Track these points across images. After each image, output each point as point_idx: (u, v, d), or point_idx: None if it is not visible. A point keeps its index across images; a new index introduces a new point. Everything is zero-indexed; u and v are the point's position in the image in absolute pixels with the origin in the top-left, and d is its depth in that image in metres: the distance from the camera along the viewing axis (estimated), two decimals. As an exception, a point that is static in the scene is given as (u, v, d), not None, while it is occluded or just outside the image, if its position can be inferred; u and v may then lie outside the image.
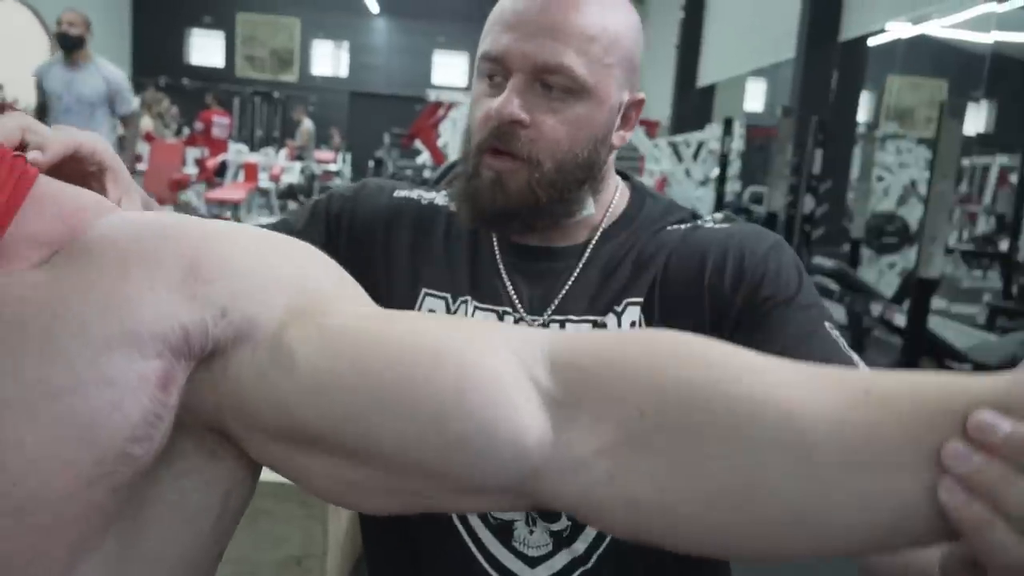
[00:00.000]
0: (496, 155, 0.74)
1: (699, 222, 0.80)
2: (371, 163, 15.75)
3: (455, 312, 0.79)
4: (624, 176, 0.86)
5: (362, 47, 18.12)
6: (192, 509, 0.43)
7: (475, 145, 0.75)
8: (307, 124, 12.26)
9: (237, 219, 8.94)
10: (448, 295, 0.79)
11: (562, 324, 0.76)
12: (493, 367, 0.39)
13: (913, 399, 0.34)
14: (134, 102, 4.40)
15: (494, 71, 0.74)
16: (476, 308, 0.78)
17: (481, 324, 0.45)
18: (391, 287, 0.80)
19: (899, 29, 6.76)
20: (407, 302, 0.80)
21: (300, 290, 0.42)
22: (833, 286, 4.10)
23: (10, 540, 0.36)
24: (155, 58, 16.26)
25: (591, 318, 0.76)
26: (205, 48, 17.69)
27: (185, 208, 7.32)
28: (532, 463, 0.39)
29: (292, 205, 6.28)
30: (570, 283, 0.78)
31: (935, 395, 0.34)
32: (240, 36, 17.61)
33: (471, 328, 0.43)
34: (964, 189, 7.48)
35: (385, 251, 0.82)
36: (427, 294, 0.80)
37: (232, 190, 8.50)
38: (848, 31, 6.90)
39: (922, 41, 7.27)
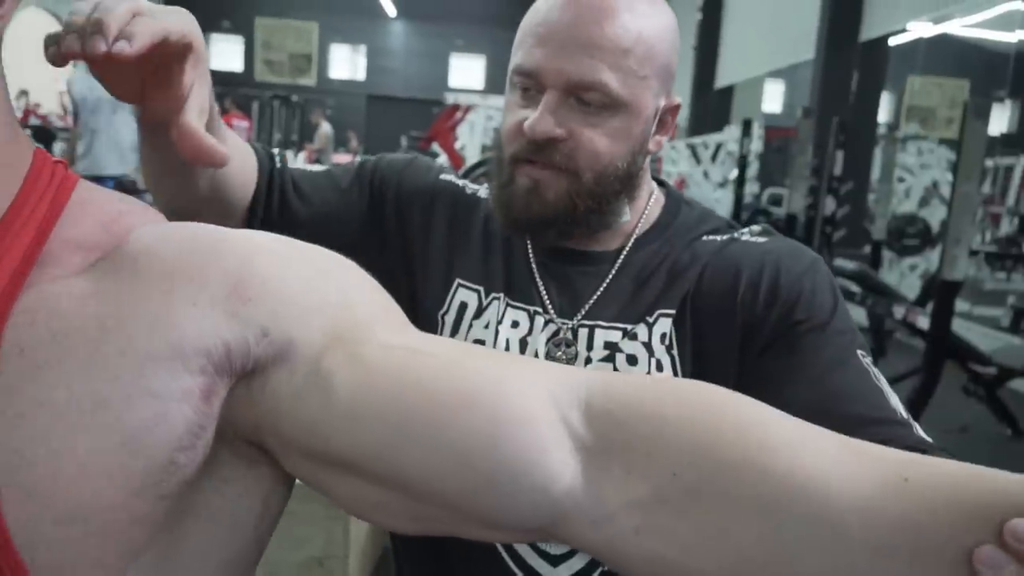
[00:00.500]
0: (533, 165, 0.73)
1: (736, 234, 0.79)
2: (388, 166, 15.84)
3: (486, 307, 0.79)
4: (659, 182, 0.85)
5: (379, 50, 18.21)
6: (233, 515, 0.43)
7: (509, 155, 0.75)
8: (325, 127, 12.33)
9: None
10: (481, 288, 0.79)
11: (591, 329, 0.76)
12: (528, 410, 0.39)
13: (951, 493, 0.34)
14: None
15: (527, 84, 0.73)
16: (508, 305, 0.78)
17: (519, 362, 0.44)
18: (426, 271, 0.81)
19: (920, 29, 6.70)
20: (440, 289, 0.80)
21: (341, 314, 0.42)
22: (855, 288, 4.06)
23: (65, 548, 0.36)
24: (175, 63, 16.43)
25: (621, 325, 0.76)
26: (224, 53, 17.85)
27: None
28: (560, 509, 0.39)
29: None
30: (602, 289, 0.77)
31: (974, 492, 0.34)
32: (259, 41, 17.73)
33: (508, 365, 0.43)
34: (987, 190, 7.39)
35: (424, 231, 0.82)
36: (460, 284, 0.80)
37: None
38: (868, 31, 6.84)
39: (944, 40, 7.20)
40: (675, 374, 0.74)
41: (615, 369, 0.74)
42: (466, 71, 18.23)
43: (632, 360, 0.74)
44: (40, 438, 0.36)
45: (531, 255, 0.80)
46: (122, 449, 0.37)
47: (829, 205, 4.75)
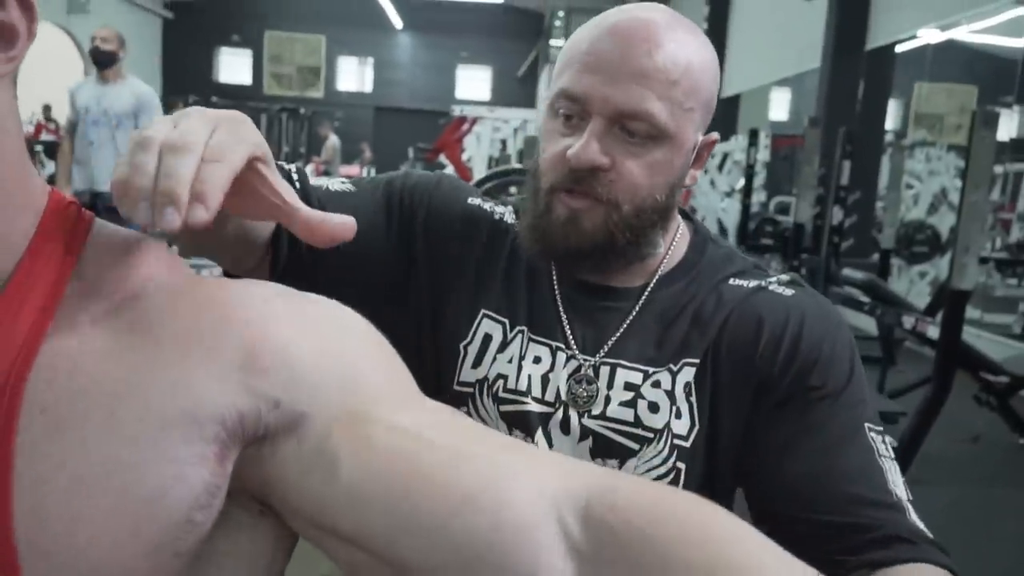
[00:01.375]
0: (572, 195, 0.72)
1: (764, 282, 0.78)
2: (396, 177, 15.87)
3: (511, 340, 0.78)
4: (683, 214, 0.84)
5: (386, 63, 18.30)
6: (246, 560, 0.44)
7: (548, 184, 0.73)
8: (333, 139, 12.38)
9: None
10: (506, 321, 0.78)
11: (613, 367, 0.75)
12: (528, 517, 0.40)
13: None
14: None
15: (572, 110, 0.72)
16: (530, 339, 0.78)
17: (524, 455, 0.44)
18: (452, 299, 0.80)
19: (927, 35, 6.69)
20: (465, 319, 0.79)
21: (350, 388, 0.43)
22: (863, 298, 4.05)
23: None
24: (185, 77, 16.56)
25: (643, 367, 0.75)
26: (233, 66, 17.98)
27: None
28: None
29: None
30: (625, 326, 0.77)
31: None
32: (267, 54, 17.86)
33: (512, 462, 0.43)
34: (997, 197, 7.35)
35: (451, 259, 0.81)
36: (485, 315, 0.79)
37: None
38: (875, 39, 6.84)
39: (951, 47, 7.19)
40: (692, 422, 0.74)
41: (636, 415, 0.74)
42: (472, 82, 18.29)
43: (654, 408, 0.74)
44: (60, 500, 0.37)
45: (556, 288, 0.79)
46: (141, 511, 0.38)
47: (837, 215, 4.74)
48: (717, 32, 10.76)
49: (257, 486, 0.42)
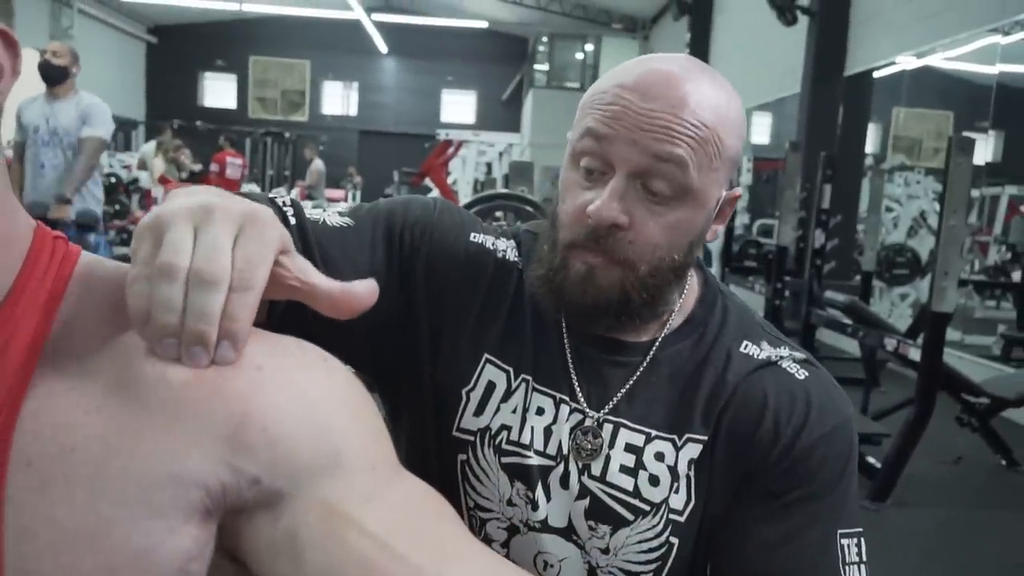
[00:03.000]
0: (588, 251, 0.70)
1: (775, 356, 0.76)
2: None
3: (515, 390, 0.76)
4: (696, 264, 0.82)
5: (371, 87, 18.40)
6: None
7: (566, 240, 0.71)
8: (317, 163, 12.37)
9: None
10: (510, 369, 0.76)
11: (616, 426, 0.74)
12: None
13: None
14: (102, 130, 3.90)
15: (593, 164, 0.69)
16: (534, 389, 0.75)
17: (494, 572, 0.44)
18: (454, 342, 0.77)
19: (904, 62, 6.82)
20: (468, 363, 0.76)
21: (332, 473, 0.42)
22: (846, 320, 4.09)
23: None
24: (169, 101, 16.57)
25: (645, 430, 0.74)
26: (218, 90, 18.01)
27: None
28: None
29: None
30: (630, 384, 0.75)
31: None
32: (252, 79, 17.93)
33: None
34: (974, 220, 7.48)
35: (458, 303, 0.77)
36: (488, 360, 0.76)
37: (245, 230, 8.58)
38: (853, 65, 6.97)
39: (927, 73, 7.32)
40: (689, 497, 0.74)
41: (635, 485, 0.73)
42: (457, 106, 18.41)
43: (654, 481, 0.73)
44: (47, 554, 0.37)
45: (565, 338, 0.77)
46: (132, 566, 0.38)
47: (819, 238, 4.79)
48: (698, 57, 10.89)
49: (232, 549, 0.43)
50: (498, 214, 3.39)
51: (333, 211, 0.78)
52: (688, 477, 0.73)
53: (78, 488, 0.38)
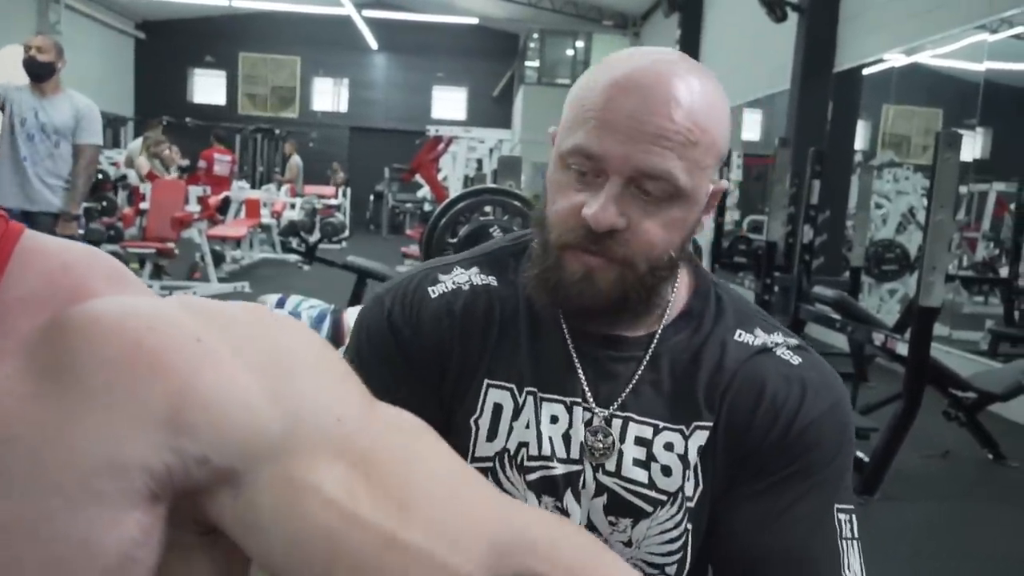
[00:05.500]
0: (587, 253, 0.70)
1: (770, 343, 0.78)
2: (371, 197, 15.89)
3: (523, 405, 0.76)
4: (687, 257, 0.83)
5: (362, 83, 18.34)
6: (201, 573, 0.43)
7: (561, 240, 0.71)
8: (296, 159, 12.32)
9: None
10: (513, 386, 0.76)
11: (625, 421, 0.75)
12: None
13: None
14: (97, 137, 3.90)
15: (586, 167, 0.70)
16: (542, 399, 0.76)
17: (455, 518, 0.44)
18: (454, 384, 0.77)
19: (893, 59, 6.85)
20: (472, 393, 0.77)
21: (286, 443, 0.41)
22: (835, 315, 4.10)
23: None
24: (158, 97, 16.46)
25: (653, 422, 0.75)
26: (207, 87, 17.92)
27: (188, 246, 7.35)
28: None
29: (294, 242, 6.28)
30: (636, 379, 0.76)
31: None
32: (242, 75, 17.84)
33: (441, 535, 0.43)
34: (962, 217, 7.52)
35: (449, 352, 0.78)
36: (490, 385, 0.77)
37: (234, 227, 8.55)
38: (842, 62, 6.99)
39: (916, 70, 7.35)
40: (697, 482, 0.75)
41: (650, 477, 0.75)
42: (448, 103, 18.37)
43: (667, 471, 0.75)
44: None
45: (568, 340, 0.77)
46: (77, 555, 0.37)
47: (807, 233, 4.81)
48: (689, 53, 10.91)
49: (204, 518, 0.42)
50: (487, 208, 3.38)
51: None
52: (696, 465, 0.75)
53: (17, 481, 0.37)
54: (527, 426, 0.76)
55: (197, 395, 0.39)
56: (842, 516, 0.74)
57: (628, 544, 0.75)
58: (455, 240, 3.18)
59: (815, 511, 0.73)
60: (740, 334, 0.78)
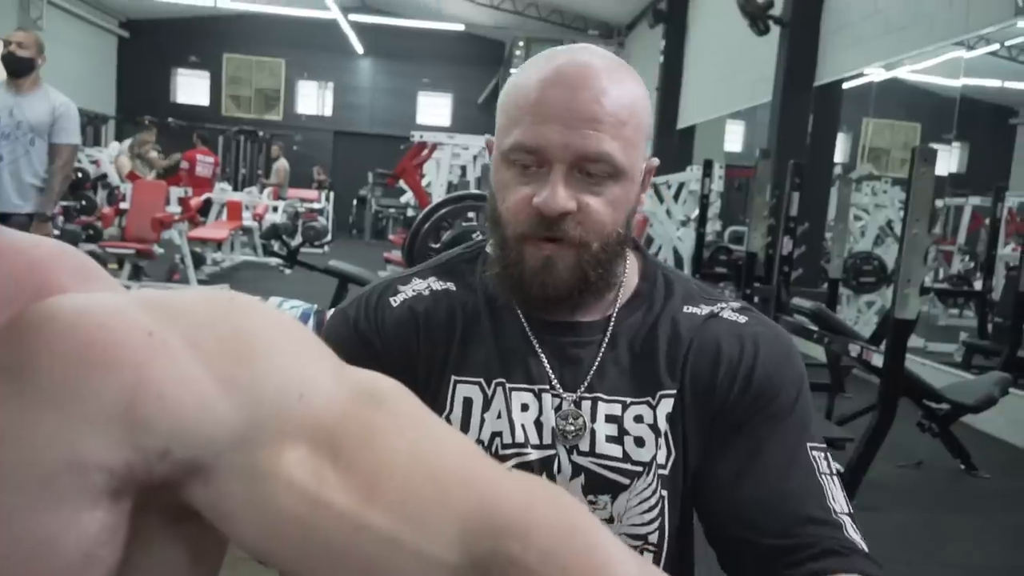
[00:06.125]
0: (542, 240, 0.75)
1: (715, 309, 0.83)
2: (354, 201, 15.84)
3: (492, 397, 0.79)
4: (633, 243, 0.88)
5: (347, 87, 18.30)
6: (165, 566, 0.43)
7: (516, 234, 0.76)
8: (283, 162, 12.27)
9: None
10: (481, 379, 0.79)
11: (594, 402, 0.79)
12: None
13: None
14: (75, 136, 3.85)
15: (529, 160, 0.75)
16: (512, 390, 0.79)
17: (427, 504, 0.43)
18: (424, 387, 0.79)
19: (873, 73, 6.94)
20: (440, 395, 0.79)
21: (250, 426, 0.40)
22: (812, 326, 4.15)
23: None
24: (141, 97, 16.33)
25: (620, 399, 0.79)
26: (191, 87, 17.79)
27: (168, 247, 7.30)
28: None
29: (276, 245, 6.26)
30: (598, 362, 0.80)
31: None
32: (226, 76, 17.74)
33: (409, 518, 0.42)
34: (938, 230, 7.62)
35: (416, 356, 0.80)
36: (457, 381, 0.80)
37: (214, 229, 8.49)
38: (823, 76, 7.07)
39: (896, 85, 7.46)
40: (669, 450, 0.79)
41: (624, 451, 0.78)
42: (433, 108, 18.37)
43: (639, 442, 0.78)
44: None
45: (528, 331, 0.81)
46: (36, 556, 0.37)
47: (787, 245, 4.86)
48: (673, 65, 11.01)
49: (179, 508, 0.41)
50: (470, 214, 3.39)
51: None
52: (666, 432, 0.78)
53: None
54: (499, 416, 0.79)
55: (150, 389, 0.38)
56: (816, 453, 0.77)
57: (609, 521, 0.78)
58: (438, 245, 3.18)
59: (789, 451, 0.76)
60: (688, 308, 0.83)
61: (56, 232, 3.78)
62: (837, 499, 0.74)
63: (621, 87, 0.75)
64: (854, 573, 0.69)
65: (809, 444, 0.77)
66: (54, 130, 3.74)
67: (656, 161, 0.83)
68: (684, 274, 0.89)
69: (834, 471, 0.77)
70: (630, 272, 0.84)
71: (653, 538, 0.79)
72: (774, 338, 0.82)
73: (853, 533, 0.73)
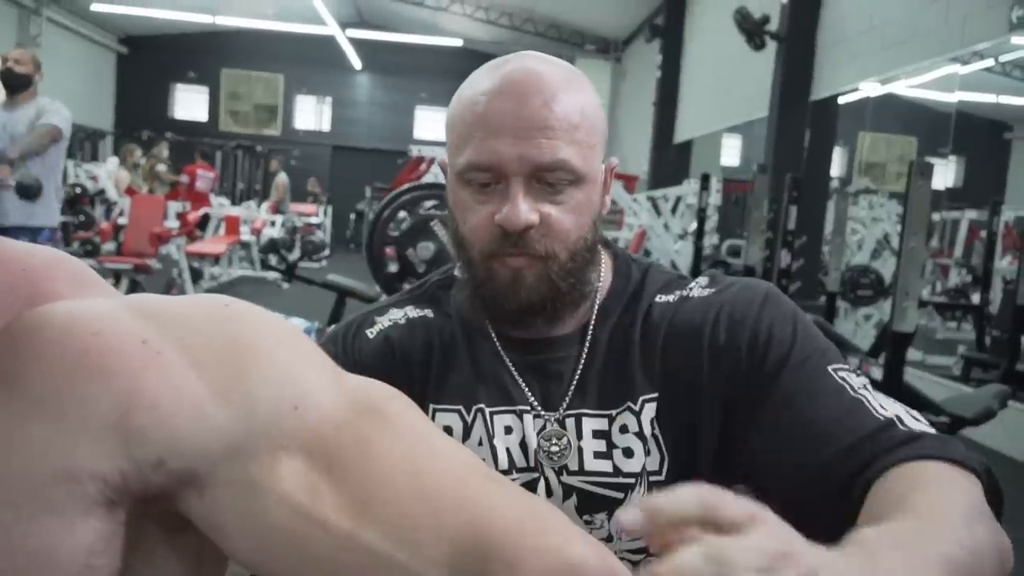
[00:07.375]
0: (510, 256, 0.73)
1: (684, 291, 0.80)
2: (352, 216, 15.86)
3: (472, 424, 0.76)
4: (603, 243, 0.85)
5: (345, 102, 18.36)
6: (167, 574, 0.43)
7: (481, 253, 0.74)
8: (282, 177, 12.28)
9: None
10: (460, 407, 0.77)
11: (578, 418, 0.76)
12: None
13: None
14: (56, 119, 3.77)
15: (486, 179, 0.72)
16: (492, 414, 0.77)
17: (415, 527, 0.42)
18: None
19: (868, 88, 6.98)
20: None
21: (244, 438, 0.40)
22: (811, 339, 4.13)
23: None
24: (139, 112, 16.38)
25: (605, 412, 0.76)
26: (189, 103, 17.85)
27: (166, 261, 7.30)
28: None
29: (274, 260, 6.26)
30: (578, 375, 0.77)
31: None
32: (224, 91, 17.80)
33: (400, 542, 0.41)
34: (935, 243, 7.65)
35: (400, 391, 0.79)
36: (436, 410, 0.78)
37: (212, 244, 8.50)
38: (819, 91, 7.12)
39: (892, 100, 7.50)
40: (661, 455, 0.75)
41: (614, 465, 0.74)
42: (431, 123, 18.44)
43: (628, 453, 0.75)
44: None
45: (502, 352, 0.79)
46: (32, 566, 0.36)
47: (784, 258, 4.87)
48: (670, 79, 11.07)
49: (175, 518, 0.41)
50: (427, 203, 3.43)
51: None
52: (655, 437, 0.75)
53: None
54: (479, 443, 0.76)
55: (144, 398, 0.38)
56: (842, 373, 0.71)
57: (608, 539, 0.75)
58: (397, 234, 3.26)
59: (815, 385, 0.70)
60: (661, 297, 0.80)
61: (52, 230, 3.77)
62: (882, 403, 0.69)
63: (569, 91, 0.72)
64: (931, 459, 0.63)
65: (830, 367, 0.71)
66: (37, 122, 3.72)
67: (615, 160, 0.80)
68: (660, 266, 0.85)
69: (866, 384, 0.71)
70: (605, 273, 0.81)
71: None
72: (745, 291, 0.77)
73: (913, 423, 0.67)
